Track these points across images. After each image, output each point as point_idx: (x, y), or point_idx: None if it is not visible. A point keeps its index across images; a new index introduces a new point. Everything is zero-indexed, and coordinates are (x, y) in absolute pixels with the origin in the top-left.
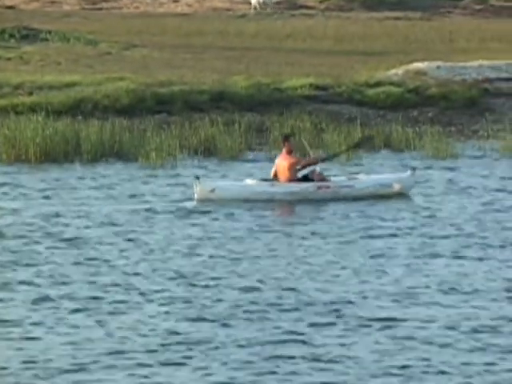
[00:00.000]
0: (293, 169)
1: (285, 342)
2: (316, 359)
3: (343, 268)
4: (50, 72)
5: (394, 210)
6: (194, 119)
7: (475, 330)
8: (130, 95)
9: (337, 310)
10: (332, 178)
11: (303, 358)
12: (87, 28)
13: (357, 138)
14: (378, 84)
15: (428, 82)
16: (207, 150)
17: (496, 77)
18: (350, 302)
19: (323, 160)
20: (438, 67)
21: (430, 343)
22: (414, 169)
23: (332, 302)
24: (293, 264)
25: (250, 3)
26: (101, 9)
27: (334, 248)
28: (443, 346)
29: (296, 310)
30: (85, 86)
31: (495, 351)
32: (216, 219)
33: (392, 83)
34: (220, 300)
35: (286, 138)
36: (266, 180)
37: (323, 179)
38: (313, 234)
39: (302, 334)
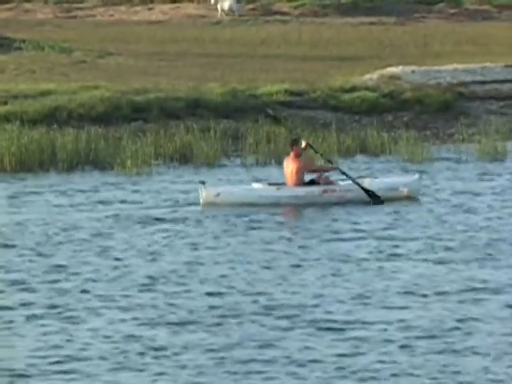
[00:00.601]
0: (300, 173)
1: (245, 346)
2: (276, 363)
3: (308, 272)
4: (25, 81)
5: (364, 213)
6: (169, 126)
7: (435, 332)
8: (105, 103)
9: (298, 314)
10: (338, 182)
11: (263, 361)
12: (61, 36)
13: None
14: (352, 89)
15: (403, 86)
16: (183, 157)
17: (471, 80)
18: (313, 306)
19: (334, 169)
20: (413, 71)
21: (391, 345)
22: (421, 173)
23: (294, 306)
24: (257, 268)
25: (218, 10)
26: (75, 17)
27: (299, 252)
28: (403, 347)
29: (257, 314)
30: (60, 94)
31: (455, 352)
32: (184, 225)
33: (367, 88)
34: (182, 305)
35: (295, 142)
36: (272, 184)
37: (329, 183)
38: (280, 238)
39: (263, 338)
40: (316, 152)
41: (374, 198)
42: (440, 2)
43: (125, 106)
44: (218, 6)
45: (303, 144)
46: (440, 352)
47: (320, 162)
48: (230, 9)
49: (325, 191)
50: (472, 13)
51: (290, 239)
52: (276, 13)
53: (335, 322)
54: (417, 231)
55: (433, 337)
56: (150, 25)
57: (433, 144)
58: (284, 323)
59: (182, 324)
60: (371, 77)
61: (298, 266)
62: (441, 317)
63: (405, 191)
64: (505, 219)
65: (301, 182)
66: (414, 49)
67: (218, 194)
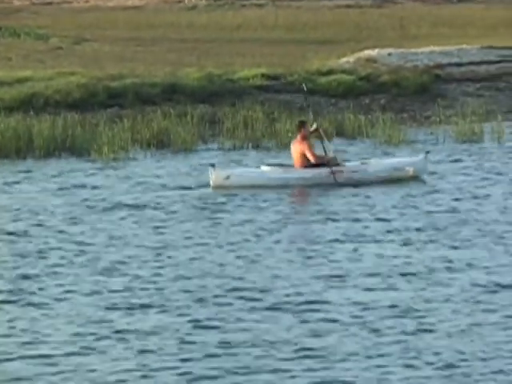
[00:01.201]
0: (307, 155)
1: (204, 327)
2: (233, 344)
3: (274, 254)
4: (1, 68)
5: (330, 196)
6: (146, 112)
7: (395, 313)
8: (82, 90)
9: (265, 296)
10: (345, 163)
11: (222, 343)
12: (37, 23)
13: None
14: (329, 72)
15: (379, 69)
16: (160, 143)
17: (447, 62)
18: (280, 287)
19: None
20: (390, 54)
21: (351, 326)
22: (427, 152)
23: (261, 288)
24: (226, 252)
25: None
26: (51, 3)
27: (270, 235)
28: (363, 328)
29: (223, 296)
30: (36, 81)
31: (413, 332)
32: (151, 209)
33: (343, 71)
34: (147, 289)
35: (302, 124)
36: (280, 166)
37: (337, 164)
38: (248, 221)
39: (223, 319)
40: (322, 140)
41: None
42: None
43: (101, 92)
44: None
45: (312, 127)
46: (405, 332)
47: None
48: None
49: (333, 172)
50: None
51: (262, 223)
52: None
53: (301, 303)
54: (384, 213)
55: (398, 317)
56: (125, 10)
57: (410, 126)
58: (250, 305)
59: (146, 307)
60: (348, 60)
61: (269, 248)
62: (406, 297)
63: (410, 171)
64: (471, 200)
65: (308, 164)
66: (391, 31)
67: (228, 177)
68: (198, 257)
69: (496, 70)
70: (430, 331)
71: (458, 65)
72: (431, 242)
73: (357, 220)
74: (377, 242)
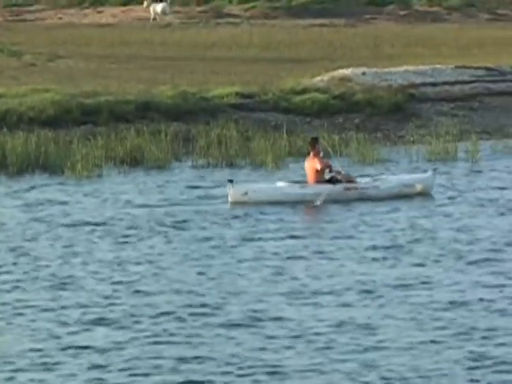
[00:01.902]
0: (321, 171)
1: (158, 343)
2: (184, 359)
3: (234, 270)
4: None
5: (296, 214)
6: (119, 129)
7: (351, 329)
8: (56, 106)
9: (215, 313)
10: (358, 180)
11: (179, 358)
12: (11, 39)
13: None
14: (303, 91)
15: (353, 88)
16: (134, 160)
17: (421, 82)
18: (231, 304)
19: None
20: (364, 73)
21: (306, 342)
22: (435, 169)
23: (212, 305)
24: (186, 267)
25: (150, 13)
26: (24, 20)
27: (230, 251)
28: (318, 343)
29: (176, 312)
30: (10, 98)
31: (368, 348)
32: (115, 226)
33: (318, 90)
34: (99, 304)
35: (314, 141)
36: (295, 182)
37: (350, 180)
38: (212, 238)
39: (178, 334)
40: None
41: None
42: (390, 3)
43: (75, 110)
44: (151, 9)
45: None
46: (360, 348)
47: None
48: (163, 12)
49: (347, 188)
50: (422, 14)
51: (222, 238)
52: (227, 15)
53: (256, 319)
54: (347, 231)
55: (354, 333)
56: (100, 28)
57: (384, 146)
58: (204, 321)
59: (100, 323)
60: (322, 79)
61: (229, 264)
62: (364, 314)
63: (419, 187)
64: (434, 218)
65: (321, 180)
66: (365, 50)
67: (246, 193)
68: (158, 273)
69: (470, 89)
70: (385, 348)
71: (432, 84)
72: (391, 259)
73: (320, 237)
74: (337, 259)
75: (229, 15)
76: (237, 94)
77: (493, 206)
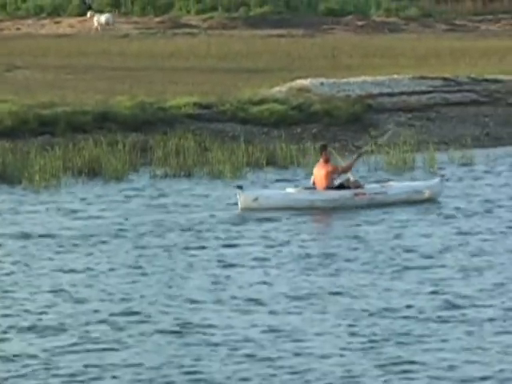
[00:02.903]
0: (330, 177)
1: (89, 350)
2: (114, 366)
3: (178, 278)
4: None
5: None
6: (77, 140)
7: (280, 336)
8: (13, 117)
9: (150, 320)
10: (366, 186)
11: (110, 364)
12: None
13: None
14: (261, 101)
15: (311, 98)
16: (92, 171)
17: (379, 92)
18: (168, 312)
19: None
20: (322, 84)
21: (235, 349)
22: (442, 176)
23: (150, 312)
24: (129, 275)
25: (94, 23)
26: None
27: (175, 259)
28: (247, 351)
29: (106, 320)
30: None
31: (281, 357)
32: (61, 237)
33: (276, 100)
34: (32, 312)
35: (324, 148)
36: (306, 188)
37: (359, 186)
38: (148, 247)
39: (107, 341)
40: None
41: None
42: (348, 14)
43: (32, 120)
44: (95, 20)
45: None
46: (289, 355)
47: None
48: (107, 22)
49: (356, 194)
50: (379, 25)
51: (168, 246)
52: (184, 25)
53: (190, 326)
54: (287, 239)
55: (282, 340)
56: (57, 38)
57: (341, 156)
58: (140, 328)
59: (35, 330)
60: (280, 89)
61: (171, 270)
62: (293, 321)
63: (427, 193)
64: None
65: (331, 186)
66: (323, 61)
67: (256, 199)
68: (93, 281)
69: (427, 100)
70: (310, 354)
71: (390, 95)
72: (323, 267)
73: (258, 245)
74: (250, 267)
75: (186, 25)
76: (194, 104)
77: (436, 214)
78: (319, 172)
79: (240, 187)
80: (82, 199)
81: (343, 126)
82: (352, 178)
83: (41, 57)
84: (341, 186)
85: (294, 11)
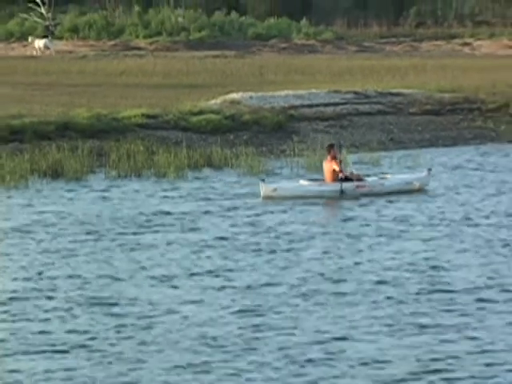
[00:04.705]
0: (336, 172)
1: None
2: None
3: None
4: None
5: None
6: (42, 146)
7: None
8: None
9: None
10: (366, 179)
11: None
12: None
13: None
14: (200, 112)
15: (242, 109)
16: (55, 173)
17: (300, 104)
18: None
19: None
20: (251, 97)
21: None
22: (429, 169)
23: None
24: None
25: (35, 47)
26: None
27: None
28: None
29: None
30: None
31: (208, 344)
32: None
33: (212, 111)
34: None
35: (331, 147)
36: (315, 180)
37: (360, 179)
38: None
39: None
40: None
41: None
42: (273, 37)
43: (3, 129)
44: (35, 44)
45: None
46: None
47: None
48: (45, 46)
49: (358, 186)
50: (300, 47)
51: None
52: (134, 48)
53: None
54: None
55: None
56: (25, 59)
57: (268, 158)
58: (61, 300)
59: None
60: (215, 102)
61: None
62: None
63: (417, 185)
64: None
65: (336, 179)
66: (252, 78)
67: (275, 189)
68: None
69: (340, 110)
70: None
71: (309, 106)
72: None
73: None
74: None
75: (135, 48)
76: (143, 115)
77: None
78: (327, 167)
79: (263, 180)
80: (46, 197)
81: (269, 133)
82: (354, 172)
83: (11, 75)
84: (345, 179)
85: (227, 36)
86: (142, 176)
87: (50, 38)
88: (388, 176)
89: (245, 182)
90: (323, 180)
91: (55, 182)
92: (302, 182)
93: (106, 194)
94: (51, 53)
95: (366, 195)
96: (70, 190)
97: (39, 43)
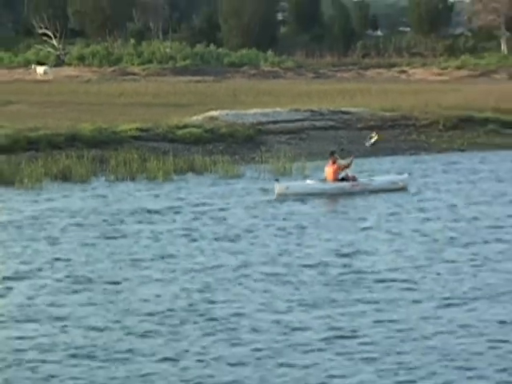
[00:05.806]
0: (336, 173)
1: None
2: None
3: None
4: None
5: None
6: (54, 154)
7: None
8: (8, 138)
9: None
10: (359, 179)
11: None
12: None
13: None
14: (184, 126)
15: (219, 124)
16: (65, 177)
17: (266, 120)
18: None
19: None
20: (227, 114)
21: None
22: (409, 173)
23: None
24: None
25: (36, 73)
26: None
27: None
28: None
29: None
30: None
31: (164, 334)
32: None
33: (194, 126)
34: None
35: (332, 153)
36: (320, 180)
37: (354, 179)
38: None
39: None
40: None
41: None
42: (244, 65)
43: (22, 140)
44: (37, 70)
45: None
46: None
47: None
48: (45, 72)
49: (353, 185)
50: (267, 73)
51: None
52: (130, 73)
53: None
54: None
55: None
56: (40, 82)
57: (240, 165)
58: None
59: None
60: (197, 118)
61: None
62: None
63: (401, 184)
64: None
65: (337, 179)
66: (227, 98)
67: (288, 188)
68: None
69: (300, 125)
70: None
71: (274, 122)
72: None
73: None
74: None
75: (131, 73)
76: (137, 128)
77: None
78: (329, 170)
79: (277, 180)
80: (57, 197)
81: (241, 144)
82: (350, 174)
83: (28, 95)
84: (343, 179)
85: (207, 63)
86: (136, 179)
87: (48, 65)
88: (375, 177)
89: (219, 183)
90: (325, 180)
91: (65, 184)
92: (309, 181)
93: (105, 194)
94: (49, 77)
95: (360, 192)
96: (76, 191)
97: (40, 70)
